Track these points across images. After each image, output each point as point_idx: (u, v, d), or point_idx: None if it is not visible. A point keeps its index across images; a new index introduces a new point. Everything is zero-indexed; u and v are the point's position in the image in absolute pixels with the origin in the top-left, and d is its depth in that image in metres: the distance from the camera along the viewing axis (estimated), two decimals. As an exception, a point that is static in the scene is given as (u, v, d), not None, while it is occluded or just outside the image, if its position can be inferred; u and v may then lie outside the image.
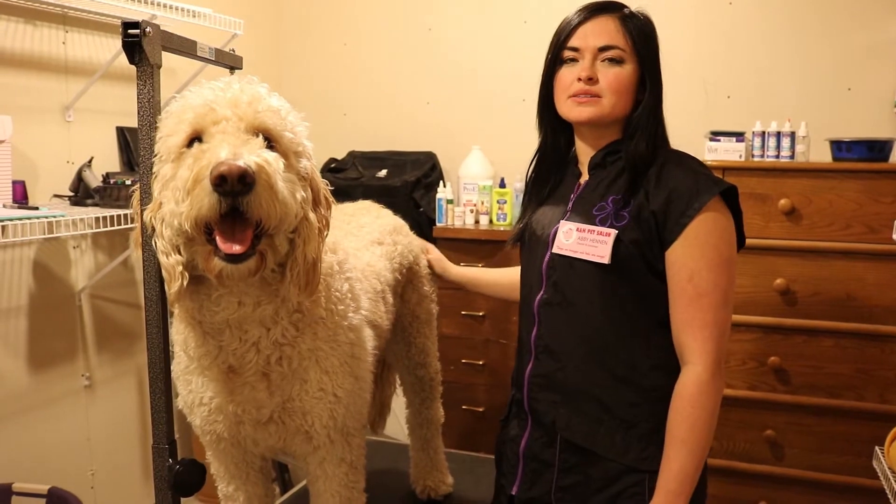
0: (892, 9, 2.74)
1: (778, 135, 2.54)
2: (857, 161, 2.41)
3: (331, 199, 1.28)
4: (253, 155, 1.05)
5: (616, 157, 1.50)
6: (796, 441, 2.50)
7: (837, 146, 2.47)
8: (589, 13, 1.48)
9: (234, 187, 1.02)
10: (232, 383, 1.26)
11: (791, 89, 2.88)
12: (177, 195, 1.08)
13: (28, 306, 2.30)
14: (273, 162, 1.09)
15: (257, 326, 1.23)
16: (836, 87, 2.83)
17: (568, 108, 1.48)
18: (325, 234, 1.25)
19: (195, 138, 1.13)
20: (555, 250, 1.48)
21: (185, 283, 1.15)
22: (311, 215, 1.19)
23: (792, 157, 2.53)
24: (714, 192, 1.39)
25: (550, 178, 1.60)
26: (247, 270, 1.11)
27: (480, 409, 2.94)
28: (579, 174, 1.57)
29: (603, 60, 1.45)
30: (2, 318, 2.22)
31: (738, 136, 2.57)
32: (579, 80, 1.44)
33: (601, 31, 1.45)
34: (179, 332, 1.29)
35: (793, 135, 2.53)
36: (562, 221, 1.49)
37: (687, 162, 1.46)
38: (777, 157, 2.54)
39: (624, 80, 1.45)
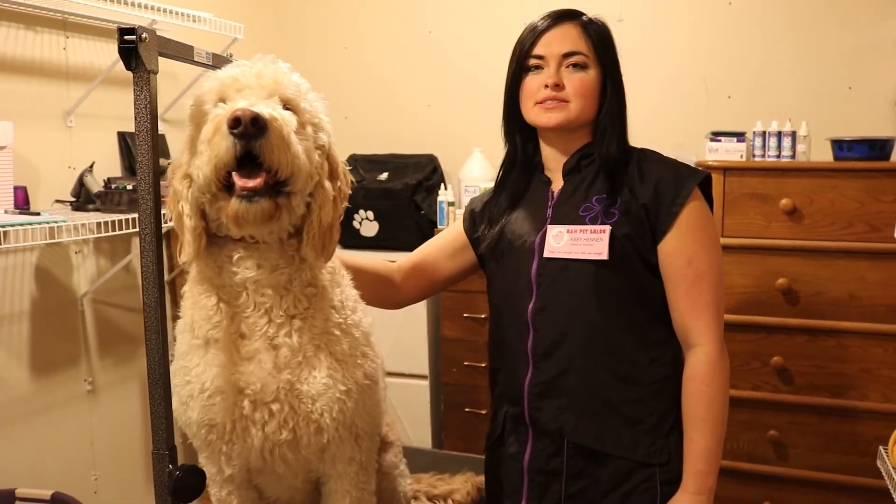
0: (893, 7, 2.73)
1: (779, 134, 2.53)
2: (859, 160, 2.40)
3: (349, 176, 1.36)
4: (268, 107, 1.15)
5: (590, 160, 1.53)
6: (800, 441, 2.49)
7: (838, 145, 2.47)
8: (552, 21, 1.52)
9: (248, 130, 1.11)
10: (238, 354, 1.28)
11: (791, 89, 2.87)
12: (200, 147, 1.19)
13: (30, 312, 2.30)
14: (287, 117, 1.18)
15: (272, 291, 1.28)
16: (837, 86, 2.82)
17: (536, 115, 1.52)
18: (343, 206, 1.33)
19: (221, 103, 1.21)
20: (547, 255, 1.49)
21: (202, 244, 1.25)
22: (327, 183, 1.28)
23: (793, 156, 2.53)
24: (696, 180, 1.47)
25: (519, 185, 1.62)
26: (260, 210, 1.17)
27: (483, 412, 2.94)
28: (547, 181, 1.58)
29: (567, 66, 1.50)
30: (4, 324, 2.23)
31: (739, 136, 2.57)
32: (546, 86, 1.48)
33: (564, 38, 1.50)
34: (185, 313, 1.34)
35: (794, 134, 2.53)
36: (549, 226, 1.51)
37: (659, 156, 1.53)
38: (778, 156, 2.53)
39: (589, 84, 1.49)
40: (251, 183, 1.15)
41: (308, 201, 1.26)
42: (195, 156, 1.22)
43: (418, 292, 1.75)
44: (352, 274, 1.49)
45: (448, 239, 1.74)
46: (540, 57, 1.51)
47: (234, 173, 1.16)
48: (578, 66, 1.49)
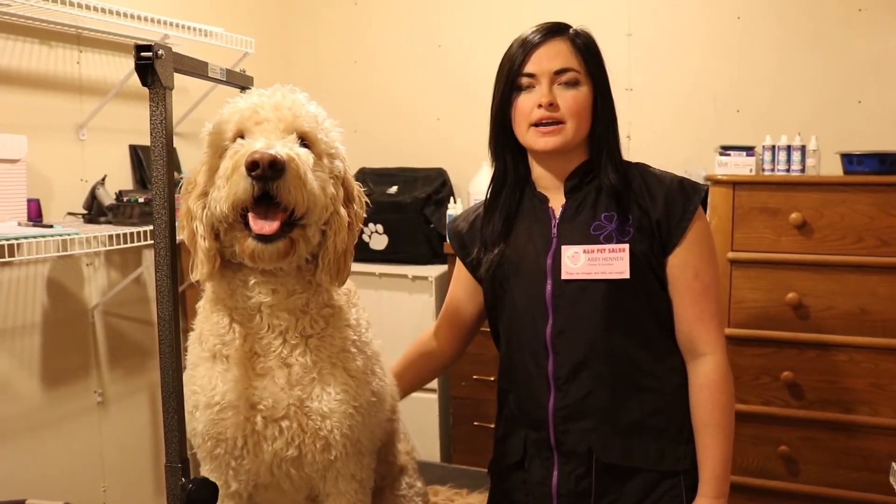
0: (902, 22, 2.73)
1: (788, 148, 2.53)
2: (869, 174, 2.39)
3: (364, 198, 1.37)
4: (285, 147, 1.17)
5: (591, 177, 1.52)
6: (811, 457, 2.48)
7: (848, 159, 2.46)
8: (541, 37, 1.49)
9: (265, 172, 1.13)
10: (252, 370, 1.29)
11: (801, 103, 2.87)
12: (218, 182, 1.21)
13: (42, 323, 2.32)
14: (303, 156, 1.19)
15: (287, 315, 1.29)
16: (847, 100, 2.82)
17: (532, 139, 1.48)
18: (358, 229, 1.34)
19: (239, 136, 1.24)
20: (565, 276, 1.47)
21: (216, 265, 1.26)
22: (342, 210, 1.29)
23: (802, 170, 2.52)
24: (701, 194, 1.49)
25: (513, 204, 1.58)
26: (276, 251, 1.20)
27: (492, 426, 2.92)
28: (544, 198, 1.55)
29: (559, 84, 1.46)
30: (16, 335, 2.24)
31: (749, 150, 2.56)
32: (540, 106, 1.45)
33: (555, 55, 1.47)
34: (197, 326, 1.36)
35: (803, 148, 2.52)
36: (563, 247, 1.48)
37: (657, 170, 1.54)
38: (787, 170, 2.53)
39: (582, 101, 1.47)
40: (267, 228, 1.18)
41: (323, 229, 1.28)
42: (211, 181, 1.24)
43: (458, 344, 1.77)
44: (398, 380, 1.52)
45: (460, 277, 1.72)
46: (531, 75, 1.47)
47: (250, 214, 1.19)
48: (571, 84, 1.47)
